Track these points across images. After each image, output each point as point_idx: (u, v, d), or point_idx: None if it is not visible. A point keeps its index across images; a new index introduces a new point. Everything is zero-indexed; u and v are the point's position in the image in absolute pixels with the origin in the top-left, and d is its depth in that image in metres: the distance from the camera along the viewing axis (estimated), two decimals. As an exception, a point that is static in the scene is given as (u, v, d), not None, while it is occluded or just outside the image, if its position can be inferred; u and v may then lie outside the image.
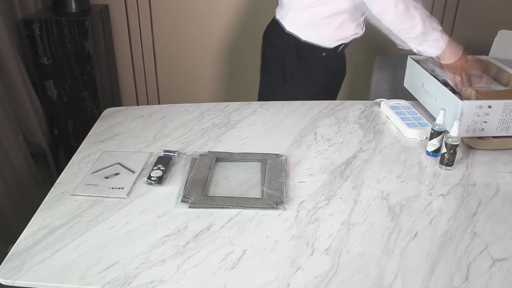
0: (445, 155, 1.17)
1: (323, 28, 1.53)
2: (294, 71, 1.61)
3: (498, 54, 1.56)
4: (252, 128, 1.37)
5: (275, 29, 1.61)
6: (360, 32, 1.59)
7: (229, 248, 0.91)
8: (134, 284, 0.83)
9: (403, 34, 1.43)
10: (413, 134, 1.33)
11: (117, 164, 1.17)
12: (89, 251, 0.90)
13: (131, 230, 0.96)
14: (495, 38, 1.57)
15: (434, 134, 1.21)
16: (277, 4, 1.63)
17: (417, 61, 1.52)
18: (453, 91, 1.38)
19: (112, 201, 1.05)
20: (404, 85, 1.61)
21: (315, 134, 1.34)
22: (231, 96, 2.64)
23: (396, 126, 1.40)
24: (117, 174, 1.14)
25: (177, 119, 1.42)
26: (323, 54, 1.58)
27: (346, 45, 1.63)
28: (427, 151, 1.24)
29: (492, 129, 1.28)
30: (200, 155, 1.21)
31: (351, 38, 1.59)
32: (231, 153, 1.22)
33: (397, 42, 1.54)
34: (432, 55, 1.44)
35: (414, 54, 1.51)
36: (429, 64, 1.51)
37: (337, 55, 1.63)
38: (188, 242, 0.93)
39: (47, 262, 0.87)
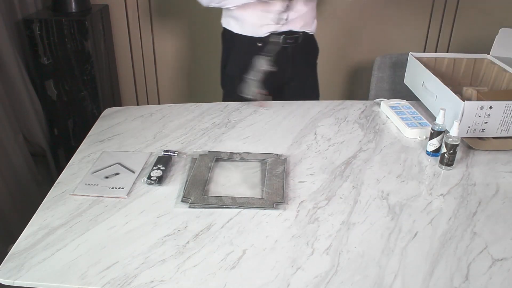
0: (445, 155, 1.17)
1: (241, 18, 1.55)
2: (232, 62, 1.65)
3: (499, 52, 1.56)
4: (252, 128, 1.37)
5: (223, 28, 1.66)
6: (282, 18, 1.53)
7: (229, 248, 0.91)
8: (134, 284, 0.83)
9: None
10: (413, 134, 1.33)
11: (117, 164, 1.17)
12: (89, 251, 0.90)
13: (131, 230, 0.96)
14: (496, 37, 1.56)
15: (434, 134, 1.21)
16: None
17: (418, 59, 1.52)
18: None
19: (112, 201, 1.05)
20: (404, 82, 1.61)
21: (315, 134, 1.34)
22: (231, 96, 2.64)
23: (396, 126, 1.40)
24: (117, 174, 1.14)
25: (177, 119, 1.42)
26: (259, 44, 1.57)
27: (283, 34, 1.56)
28: (427, 151, 1.24)
29: (492, 130, 1.28)
30: (200, 155, 1.21)
31: (277, 24, 1.54)
32: (231, 153, 1.22)
33: None
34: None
35: (415, 51, 1.52)
36: None
37: (276, 44, 1.57)
38: (188, 242, 0.93)
39: (47, 262, 0.87)
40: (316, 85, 1.80)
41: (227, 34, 1.64)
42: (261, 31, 1.55)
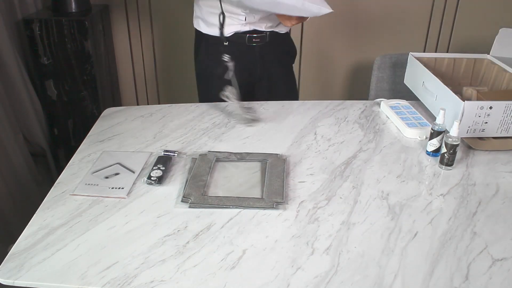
0: (445, 155, 1.17)
1: (205, 17, 1.56)
2: (200, 61, 1.66)
3: (499, 52, 1.56)
4: (252, 128, 1.37)
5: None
6: (240, 18, 1.53)
7: (229, 248, 0.91)
8: (134, 284, 0.83)
9: None
10: (413, 134, 1.33)
11: (117, 164, 1.17)
12: (89, 251, 0.90)
13: (131, 230, 0.96)
14: (496, 37, 1.56)
15: (434, 134, 1.21)
16: None
17: (418, 59, 1.52)
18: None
19: (112, 201, 1.05)
20: (404, 82, 1.61)
21: (315, 134, 1.34)
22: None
23: (396, 126, 1.40)
24: (117, 174, 1.14)
25: (177, 119, 1.42)
26: (225, 43, 1.57)
27: (248, 34, 1.56)
28: (427, 151, 1.24)
29: (492, 130, 1.28)
30: (200, 155, 1.21)
31: (239, 24, 1.54)
32: (231, 153, 1.22)
33: None
34: None
35: (415, 51, 1.52)
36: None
37: (243, 44, 1.58)
38: (188, 242, 0.93)
39: (47, 262, 0.87)
40: (293, 85, 1.78)
41: (198, 34, 1.66)
42: (226, 31, 1.56)
